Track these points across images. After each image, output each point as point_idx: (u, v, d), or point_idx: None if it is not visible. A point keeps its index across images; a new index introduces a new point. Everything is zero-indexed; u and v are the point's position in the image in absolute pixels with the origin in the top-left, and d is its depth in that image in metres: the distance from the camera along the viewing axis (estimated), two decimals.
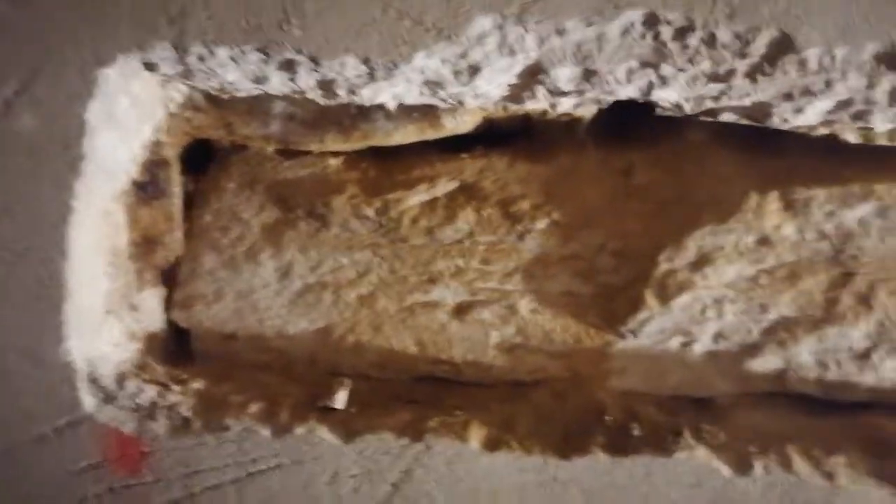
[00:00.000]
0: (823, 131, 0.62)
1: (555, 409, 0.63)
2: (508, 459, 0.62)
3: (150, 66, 0.57)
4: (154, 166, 0.65)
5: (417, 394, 0.67)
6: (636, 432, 0.61)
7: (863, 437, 0.62)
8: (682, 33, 0.54)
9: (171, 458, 0.64)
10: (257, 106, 0.63)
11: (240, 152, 0.71)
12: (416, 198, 0.69)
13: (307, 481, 0.64)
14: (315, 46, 0.56)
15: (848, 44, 0.53)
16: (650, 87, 0.58)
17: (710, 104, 0.59)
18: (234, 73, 0.58)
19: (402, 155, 0.71)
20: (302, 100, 0.62)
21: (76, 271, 0.61)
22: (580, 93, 0.60)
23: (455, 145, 0.71)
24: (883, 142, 0.63)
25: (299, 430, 0.61)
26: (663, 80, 0.57)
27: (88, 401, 0.64)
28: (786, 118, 0.60)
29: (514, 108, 0.65)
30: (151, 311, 0.68)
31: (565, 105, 0.62)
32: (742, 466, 0.61)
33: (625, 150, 0.67)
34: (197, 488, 0.64)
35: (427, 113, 0.66)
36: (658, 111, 0.62)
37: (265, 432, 0.63)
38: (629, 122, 0.69)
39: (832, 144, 0.64)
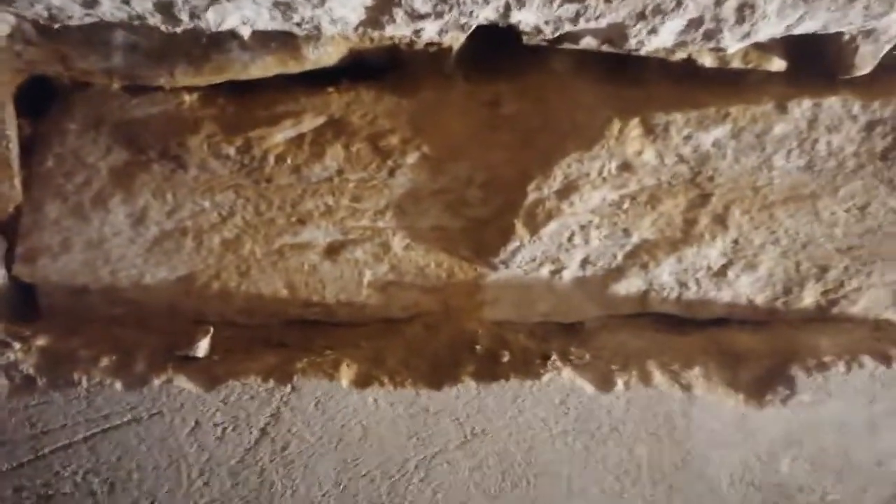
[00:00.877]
0: (680, 55, 0.75)
1: (426, 342, 0.73)
2: (379, 394, 0.72)
3: None
4: None
5: (287, 337, 0.76)
6: (505, 359, 0.73)
7: (718, 351, 0.77)
8: None
9: (15, 420, 0.69)
10: (94, 36, 0.69)
11: (82, 90, 0.77)
12: (281, 135, 0.77)
13: (166, 433, 0.71)
14: None
15: None
16: (507, 8, 0.68)
17: (568, 27, 0.70)
18: None
19: (263, 90, 0.79)
20: (143, 27, 0.68)
21: None
22: (439, 15, 0.69)
23: (322, 80, 0.79)
24: (737, 64, 0.76)
25: (156, 382, 0.69)
26: (520, 1, 0.68)
27: None
28: (641, 40, 0.72)
29: (377, 38, 0.75)
30: None
31: (429, 31, 0.71)
32: (605, 384, 0.74)
33: (492, 82, 0.79)
34: (46, 449, 0.70)
35: (286, 42, 0.74)
36: (524, 39, 0.74)
37: (118, 385, 0.69)
38: (496, 54, 0.80)
39: (690, 70, 0.76)
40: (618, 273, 0.78)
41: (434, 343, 0.73)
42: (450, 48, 0.77)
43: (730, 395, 0.76)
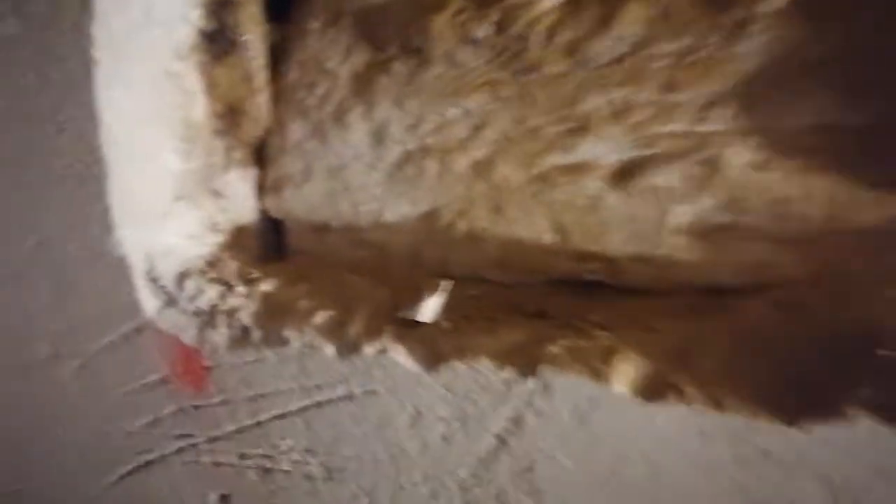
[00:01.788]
0: None
1: (777, 332, 0.49)
2: (680, 416, 0.52)
3: None
4: (220, 8, 0.76)
5: (548, 304, 0.60)
6: None
7: None
8: None
9: (234, 377, 0.73)
10: None
11: None
12: None
13: (384, 419, 0.64)
14: None
15: None
16: None
17: None
18: None
19: None
20: None
21: (122, 146, 0.70)
22: None
23: None
24: None
25: (369, 350, 0.62)
26: None
27: (149, 303, 0.74)
28: None
29: None
30: (240, 197, 0.78)
31: None
32: None
33: None
34: (263, 415, 0.71)
35: None
36: None
37: (328, 350, 0.65)
38: None
39: None
40: None
41: (791, 336, 0.50)
42: None
43: None
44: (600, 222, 0.60)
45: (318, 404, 0.68)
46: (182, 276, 0.72)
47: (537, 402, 0.57)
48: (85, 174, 0.69)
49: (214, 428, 0.74)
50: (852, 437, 0.45)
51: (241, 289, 0.70)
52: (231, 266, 0.75)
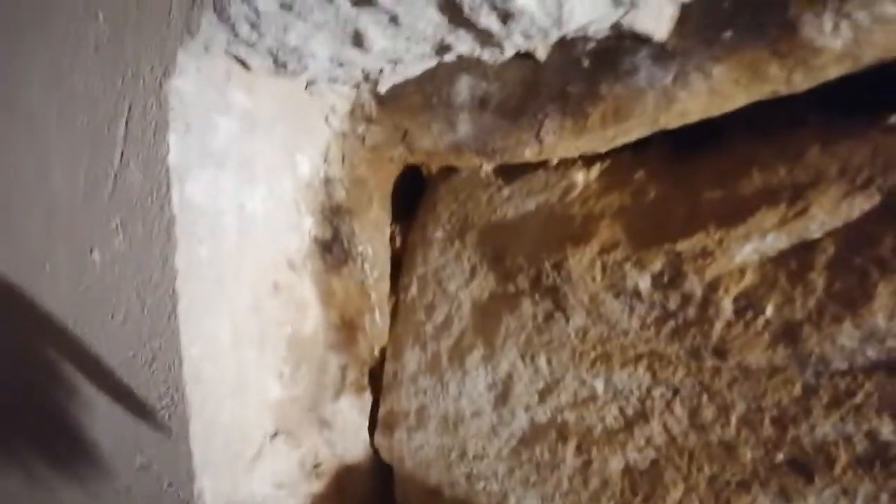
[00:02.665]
0: None
1: None
2: None
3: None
4: (334, 216, 0.65)
5: None
6: None
7: None
8: None
9: None
10: (434, 92, 0.52)
11: (447, 179, 0.63)
12: (751, 246, 0.41)
13: None
14: None
15: None
16: None
17: None
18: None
19: (713, 150, 0.46)
20: (494, 67, 0.48)
21: (209, 380, 0.59)
22: None
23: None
24: None
25: None
26: None
27: None
28: None
29: None
30: (351, 428, 0.67)
31: None
32: None
33: None
34: None
35: (763, 35, 0.39)
36: None
37: None
38: None
39: None
40: None
41: None
42: None
43: None
44: None
45: None
46: None
47: None
48: (173, 411, 0.63)
49: None
50: None
51: None
52: None
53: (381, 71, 0.51)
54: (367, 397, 0.69)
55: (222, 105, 0.53)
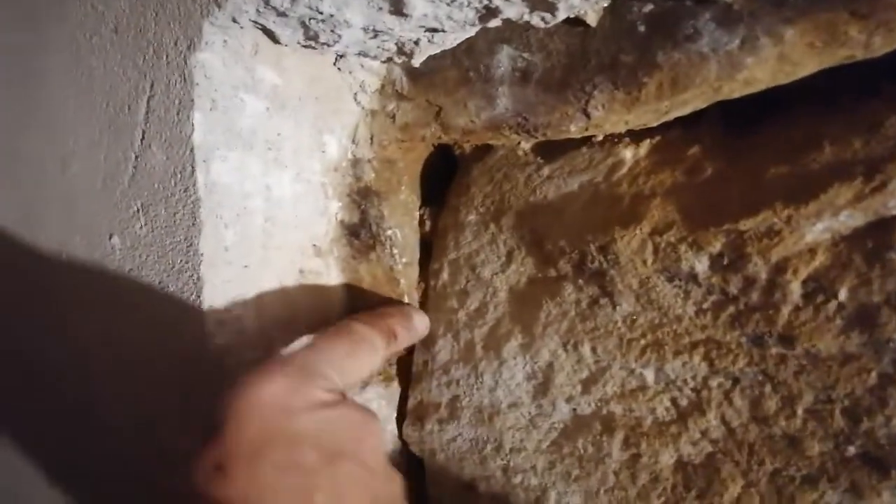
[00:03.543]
0: None
1: None
2: None
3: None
4: (362, 199, 0.63)
5: None
6: None
7: None
8: None
9: None
10: (470, 66, 0.49)
11: (481, 159, 0.60)
12: (822, 225, 0.39)
13: None
14: None
15: None
16: None
17: None
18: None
19: (786, 123, 0.43)
20: (538, 36, 0.45)
21: (230, 372, 0.59)
22: None
23: None
24: None
25: None
26: None
27: None
28: None
29: None
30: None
31: None
32: None
33: None
34: None
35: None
36: None
37: None
38: None
39: None
40: None
41: None
42: None
43: None
44: None
45: None
46: None
47: None
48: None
49: None
50: None
51: None
52: None
53: (416, 42, 0.48)
54: (396, 388, 0.66)
55: (249, 82, 0.50)
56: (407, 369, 0.67)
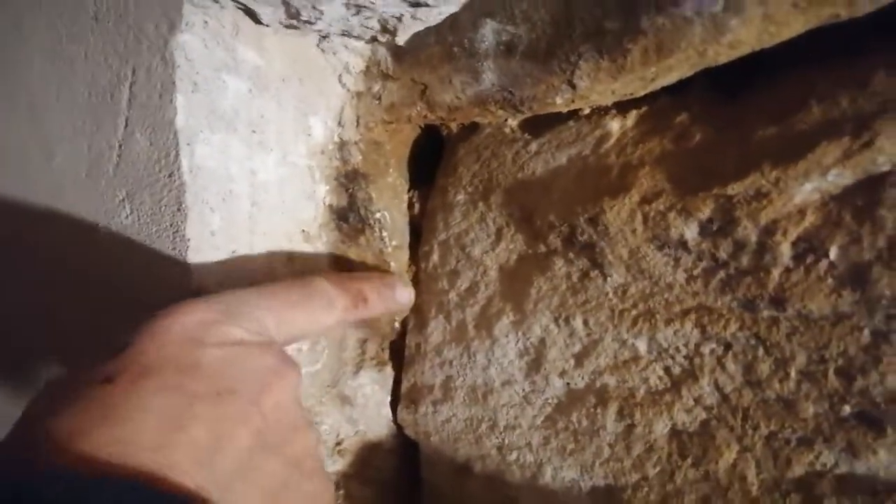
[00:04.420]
0: None
1: None
2: None
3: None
4: (350, 182, 0.62)
5: None
6: None
7: None
8: None
9: None
10: (457, 40, 0.48)
11: (467, 139, 0.60)
12: (813, 184, 0.38)
13: None
14: None
15: None
16: None
17: None
18: None
19: (773, 83, 0.43)
20: (522, 7, 0.44)
21: None
22: None
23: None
24: None
25: None
26: None
27: None
28: None
29: None
30: (372, 404, 0.64)
31: None
32: None
33: None
34: None
35: None
36: None
37: None
38: None
39: None
40: None
41: None
42: None
43: None
44: None
45: None
46: None
47: None
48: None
49: None
50: None
51: None
52: None
53: (399, 18, 0.47)
54: (389, 372, 0.65)
55: (231, 63, 0.49)
56: (400, 354, 0.67)
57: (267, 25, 0.52)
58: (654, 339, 0.44)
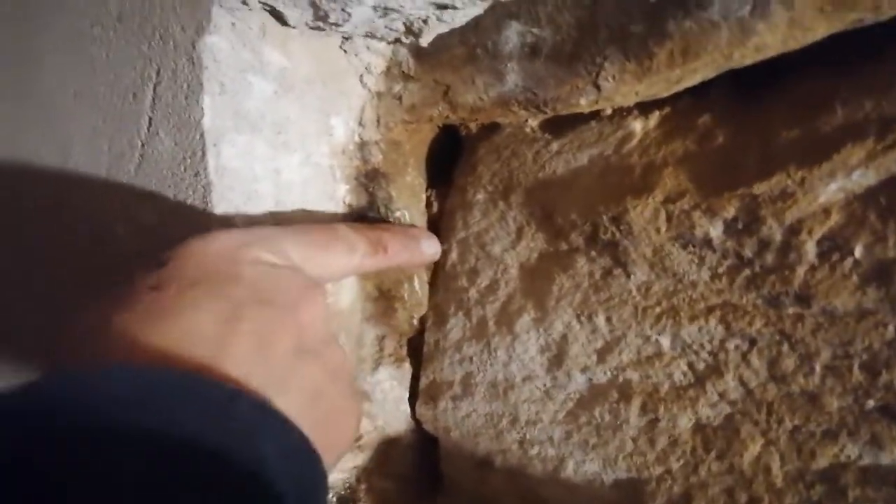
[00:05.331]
0: None
1: None
2: None
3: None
4: (370, 182, 0.63)
5: None
6: None
7: None
8: None
9: None
10: (477, 43, 0.49)
11: (487, 138, 0.60)
12: (836, 185, 0.39)
13: None
14: None
15: None
16: None
17: None
18: None
19: (789, 87, 0.44)
20: (547, 10, 0.44)
21: None
22: None
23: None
24: None
25: None
26: None
27: None
28: None
29: None
30: (391, 401, 0.64)
31: None
32: None
33: None
34: None
35: None
36: None
37: None
38: None
39: None
40: None
41: None
42: None
43: None
44: None
45: None
46: None
47: None
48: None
49: None
50: None
51: None
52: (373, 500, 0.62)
53: (425, 20, 0.47)
54: (407, 368, 0.65)
55: (257, 64, 0.50)
56: (418, 351, 0.67)
57: (293, 27, 0.52)
58: (678, 335, 0.45)
